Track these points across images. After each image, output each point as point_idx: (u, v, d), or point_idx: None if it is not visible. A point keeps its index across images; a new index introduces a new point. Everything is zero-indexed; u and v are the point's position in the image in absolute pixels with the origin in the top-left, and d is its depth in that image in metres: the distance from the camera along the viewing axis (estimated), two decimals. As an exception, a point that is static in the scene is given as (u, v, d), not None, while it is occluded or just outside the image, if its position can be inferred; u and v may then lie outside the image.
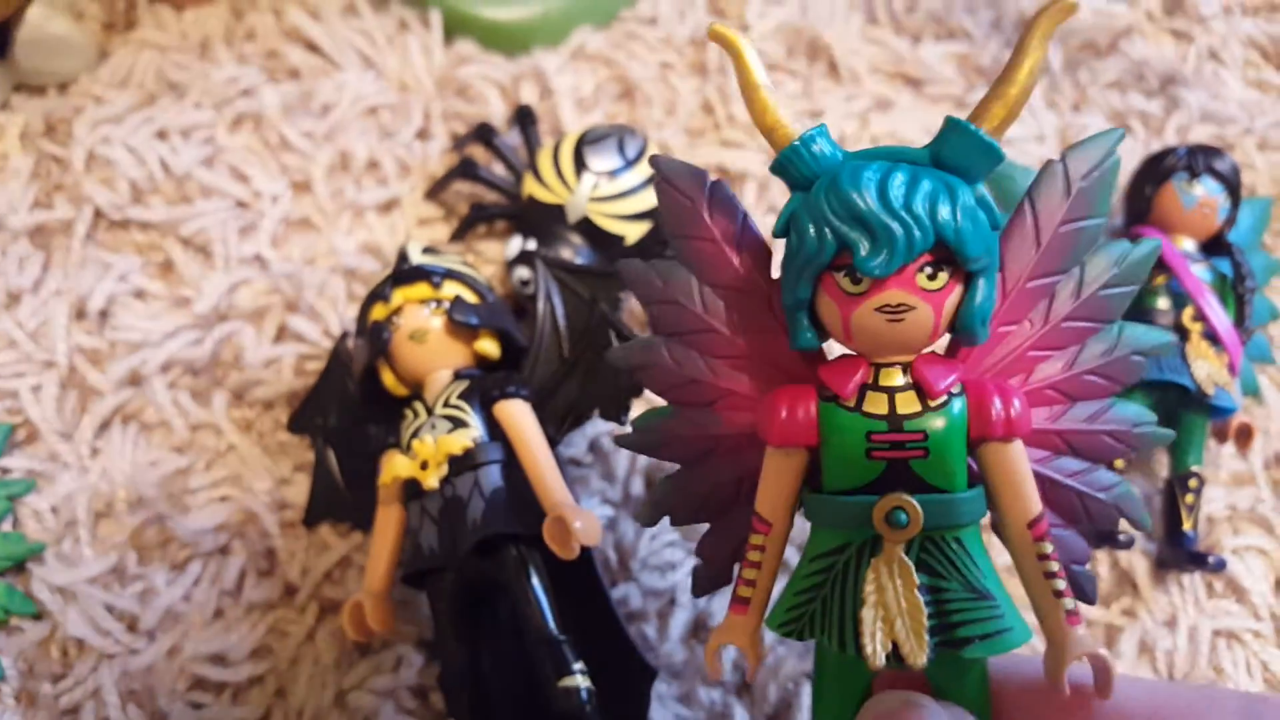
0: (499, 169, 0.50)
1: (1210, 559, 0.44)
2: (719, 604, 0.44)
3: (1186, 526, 0.45)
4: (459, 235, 0.50)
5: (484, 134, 0.50)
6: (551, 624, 0.37)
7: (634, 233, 0.48)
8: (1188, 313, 0.47)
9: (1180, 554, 0.45)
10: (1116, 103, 0.57)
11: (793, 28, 0.57)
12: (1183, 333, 0.47)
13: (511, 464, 0.39)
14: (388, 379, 0.42)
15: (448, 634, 0.39)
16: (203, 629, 0.43)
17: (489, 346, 0.42)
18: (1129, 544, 0.44)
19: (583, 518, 0.36)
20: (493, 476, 0.38)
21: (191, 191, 0.50)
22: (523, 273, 0.45)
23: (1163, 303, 0.48)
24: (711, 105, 0.55)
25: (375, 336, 0.40)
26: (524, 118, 0.50)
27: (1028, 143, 0.55)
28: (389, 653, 0.43)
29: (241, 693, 0.43)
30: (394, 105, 0.53)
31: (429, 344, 0.41)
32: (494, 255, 0.50)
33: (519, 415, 0.39)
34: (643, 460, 0.47)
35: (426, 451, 0.39)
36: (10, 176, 0.50)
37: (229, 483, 0.46)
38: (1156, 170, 0.49)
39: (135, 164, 0.50)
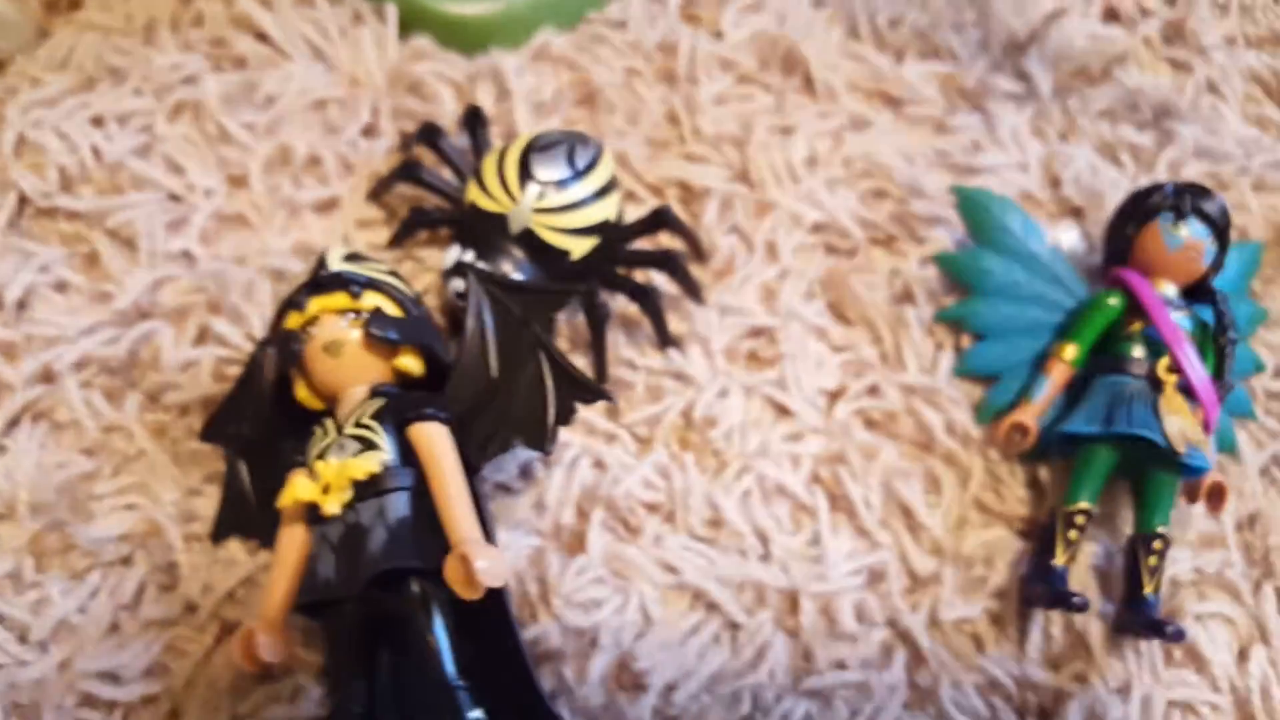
0: (447, 173, 0.48)
1: (1169, 628, 0.41)
2: (641, 647, 0.42)
3: (1147, 590, 0.42)
4: (397, 241, 0.47)
5: (429, 134, 0.47)
6: (449, 667, 0.35)
7: (580, 248, 0.45)
8: (1163, 363, 0.44)
9: (1138, 619, 0.42)
10: (1107, 133, 0.54)
11: (768, 38, 0.55)
12: (1156, 384, 0.44)
13: (423, 492, 0.37)
14: (301, 392, 0.40)
15: (344, 670, 0.36)
16: (96, 643, 0.41)
17: (410, 363, 0.39)
18: (1083, 607, 0.41)
19: (488, 556, 0.34)
20: (399, 505, 0.36)
21: (123, 181, 0.48)
22: (457, 285, 0.43)
23: (1137, 351, 0.45)
24: (677, 116, 0.52)
25: (285, 347, 0.38)
26: (473, 119, 0.48)
27: (1010, 171, 0.52)
28: (287, 681, 0.41)
29: (133, 713, 0.41)
30: (342, 100, 0.51)
31: (344, 357, 0.38)
32: (435, 263, 0.48)
33: (434, 439, 0.37)
34: (576, 488, 0.44)
35: (329, 474, 0.36)
36: (-65, 157, 0.48)
37: (136, 490, 0.44)
38: (1141, 208, 0.46)
39: (67, 150, 0.48)
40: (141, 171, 0.48)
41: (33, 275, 0.46)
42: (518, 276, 0.44)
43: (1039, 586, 0.42)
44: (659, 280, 0.47)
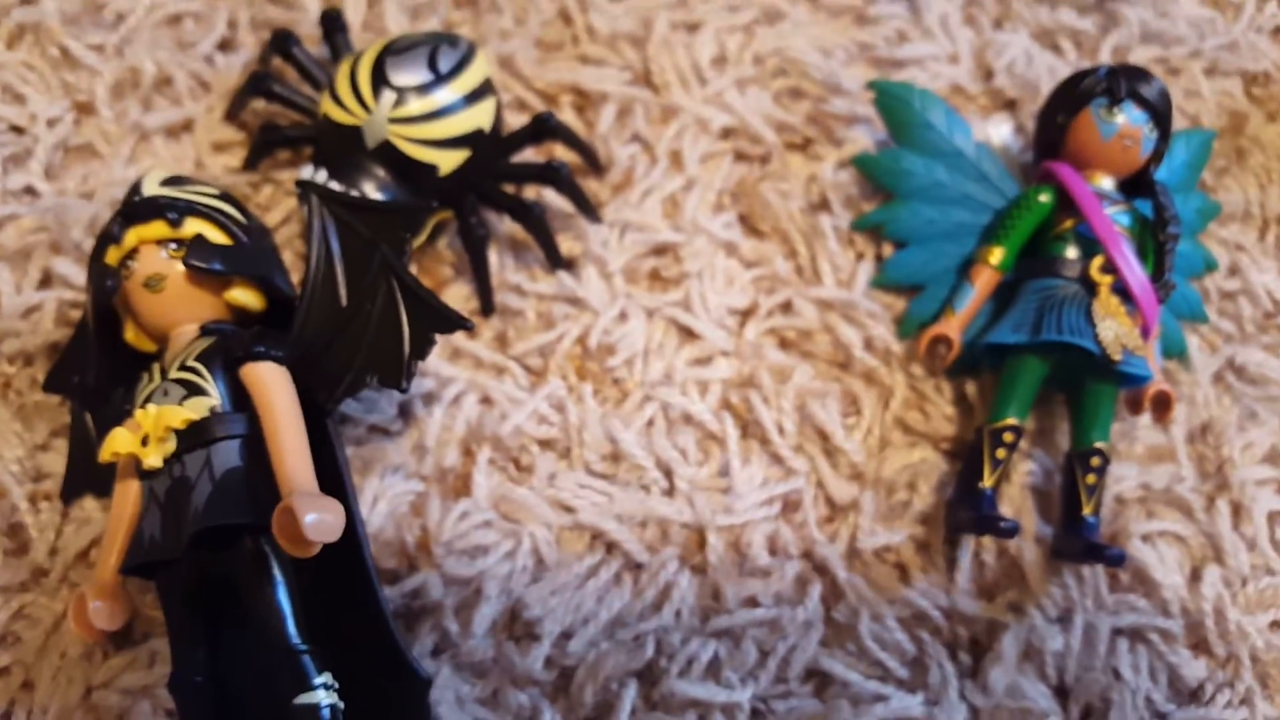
0: (306, 88, 0.44)
1: (1109, 551, 0.37)
2: (533, 594, 0.38)
3: (1086, 511, 0.39)
4: (252, 163, 0.43)
5: (282, 43, 0.43)
6: (291, 630, 0.32)
7: (448, 162, 0.41)
8: (1096, 263, 0.40)
9: (1078, 543, 0.38)
10: (1045, 19, 0.50)
11: (669, -75, 0.50)
12: (1090, 287, 0.40)
13: (258, 440, 0.33)
14: (130, 333, 0.36)
15: (179, 635, 0.33)
16: (-58, 614, 0.38)
17: (245, 297, 0.36)
18: (1013, 531, 0.37)
19: (316, 509, 0.30)
20: (228, 455, 0.33)
21: (-41, 113, 0.44)
22: (307, 210, 0.39)
23: (1070, 251, 0.41)
24: (569, 14, 0.47)
25: (99, 284, 0.34)
26: (331, 24, 0.43)
27: (939, 63, 0.48)
28: (143, 647, 0.37)
29: (-17, 686, 0.38)
30: (198, 13, 0.46)
31: (168, 293, 0.34)
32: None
33: (266, 381, 0.33)
34: (460, 427, 0.41)
35: (148, 423, 0.33)
36: None
37: (-23, 446, 0.40)
38: (1072, 94, 0.42)
39: (-107, 80, 0.44)
40: (-22, 102, 0.44)
41: None
42: (378, 197, 0.39)
43: (965, 510, 0.39)
44: (549, 197, 0.43)
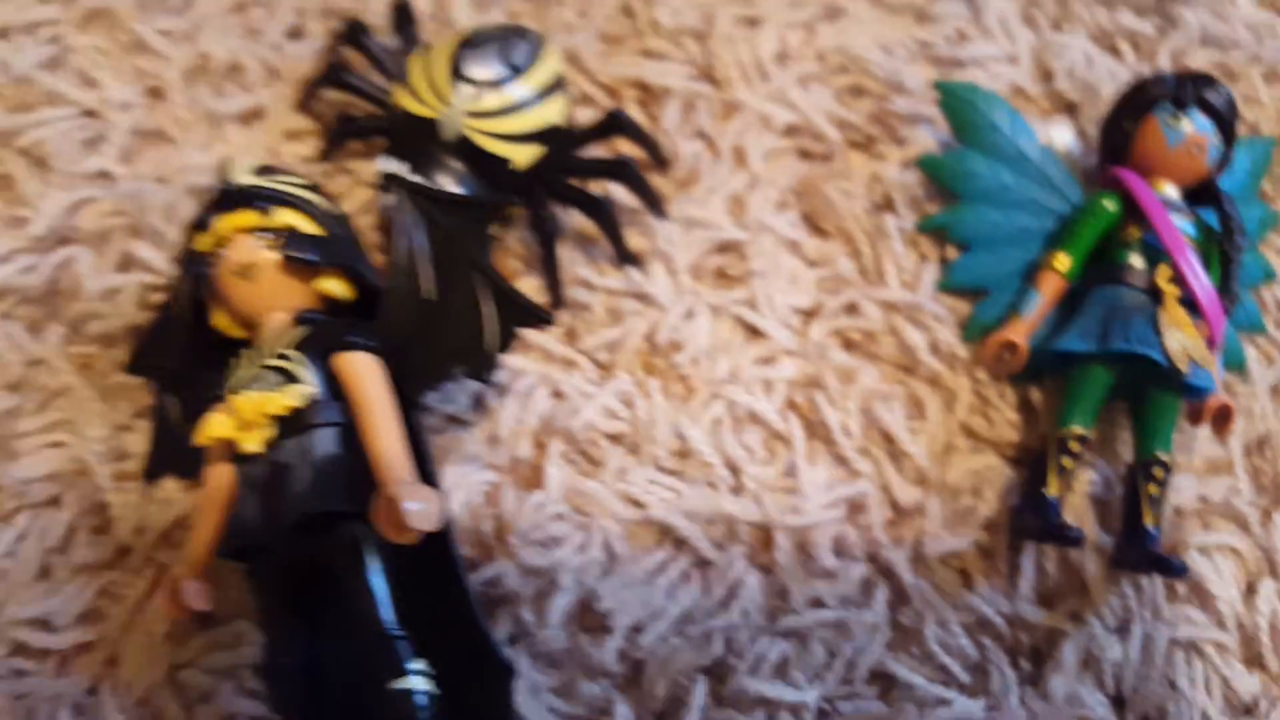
0: (376, 77, 0.44)
1: (1172, 562, 0.38)
2: (605, 586, 0.39)
3: (1148, 521, 0.39)
4: (328, 153, 0.43)
5: (354, 34, 0.43)
6: (386, 616, 0.32)
7: (523, 156, 0.41)
8: (1163, 272, 0.40)
9: (1138, 553, 0.39)
10: (1104, 20, 0.50)
11: (732, -82, 0.50)
12: (1156, 296, 0.40)
13: (353, 428, 0.34)
14: (219, 320, 0.37)
15: (272, 619, 0.34)
16: (27, 589, 0.39)
17: (335, 287, 0.36)
18: (1078, 540, 0.38)
19: (418, 498, 0.31)
20: (326, 442, 0.33)
21: (33, 97, 0.44)
22: (388, 200, 0.39)
23: (1135, 259, 0.41)
24: (633, 8, 0.47)
25: (191, 271, 0.35)
26: (402, 15, 0.44)
27: (999, 64, 0.48)
28: (228, 627, 0.38)
29: (68, 661, 0.38)
30: (265, 0, 0.46)
31: (260, 282, 0.35)
32: (369, 176, 0.44)
33: (360, 371, 0.34)
34: (532, 420, 0.41)
35: (247, 409, 0.33)
36: None
37: (62, 427, 0.41)
38: (1138, 100, 0.42)
39: (-31, 63, 0.44)
40: (52, 86, 0.44)
41: (-61, 200, 0.43)
42: (455, 190, 0.40)
43: (1030, 518, 0.39)
44: (615, 192, 0.43)
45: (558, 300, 0.43)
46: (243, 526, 0.33)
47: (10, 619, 0.38)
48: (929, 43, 0.48)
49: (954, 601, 0.40)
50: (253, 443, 0.33)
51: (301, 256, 0.35)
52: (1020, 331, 0.41)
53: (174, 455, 0.39)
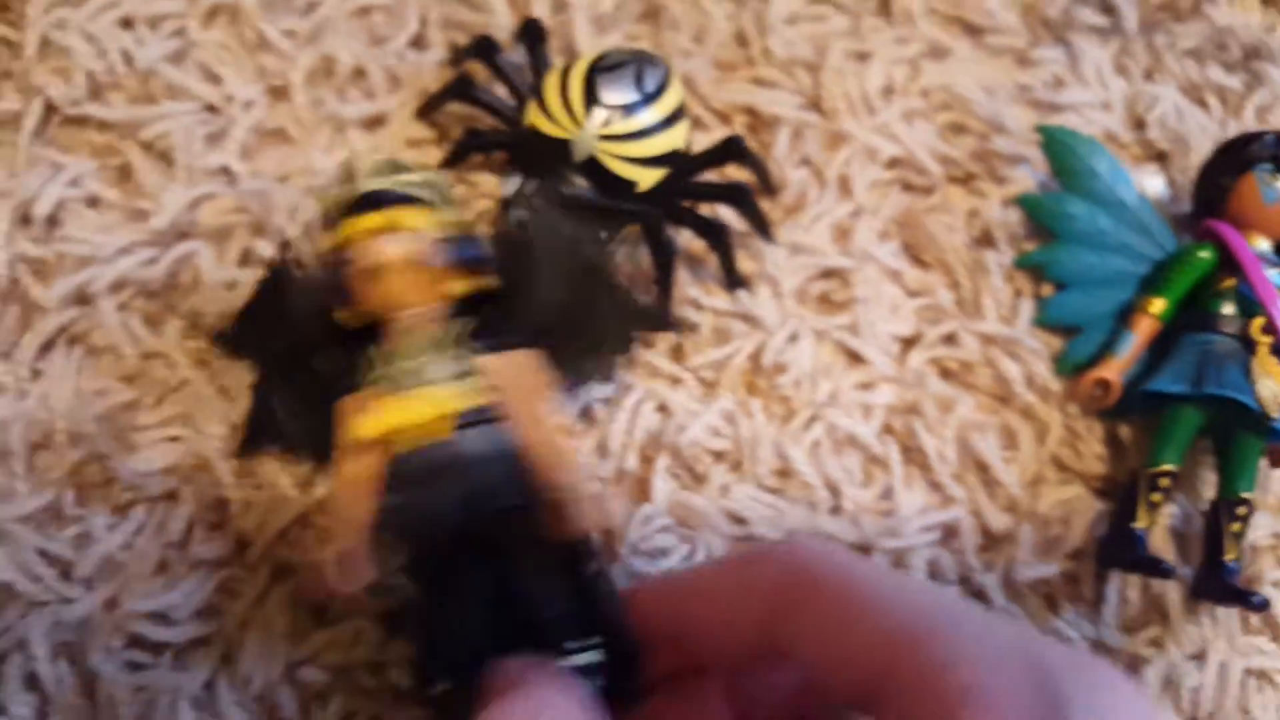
0: (501, 91, 0.45)
1: (1254, 598, 0.39)
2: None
3: (1229, 557, 0.41)
4: (451, 164, 0.44)
5: (484, 49, 0.44)
6: (555, 600, 0.34)
7: (647, 179, 0.42)
8: (1257, 324, 0.42)
9: (1220, 587, 0.40)
10: (1194, 74, 0.51)
11: (845, -44, 0.51)
12: (1249, 345, 0.42)
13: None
14: (342, 313, 0.37)
15: (437, 604, 0.34)
16: (144, 582, 0.39)
17: (461, 286, 0.36)
18: (1171, 573, 0.40)
19: (587, 494, 0.33)
20: (504, 435, 0.34)
21: (156, 90, 0.45)
22: (520, 215, 0.40)
23: (1228, 308, 0.43)
24: (747, 36, 0.49)
25: (331, 273, 0.36)
26: (532, 34, 0.44)
27: (1093, 110, 0.50)
28: (346, 625, 0.39)
29: (184, 655, 0.39)
30: (388, 6, 0.47)
31: (389, 283, 0.35)
32: (489, 188, 0.45)
33: (527, 368, 0.35)
34: (639, 433, 0.42)
35: (436, 403, 0.34)
36: (-49, 56, 0.44)
37: (180, 422, 0.41)
38: (1238, 158, 0.44)
39: (95, 54, 0.44)
40: (176, 80, 0.45)
41: (62, 189, 0.43)
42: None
43: (1120, 549, 0.41)
44: (723, 215, 0.45)
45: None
46: (424, 513, 0.33)
47: (128, 611, 0.39)
48: (1028, 86, 0.49)
49: (1041, 625, 0.42)
50: (444, 433, 0.33)
51: (453, 257, 0.35)
52: (1114, 370, 0.43)
53: (272, 434, 0.39)
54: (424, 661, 0.35)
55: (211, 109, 0.45)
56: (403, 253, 0.35)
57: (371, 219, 0.35)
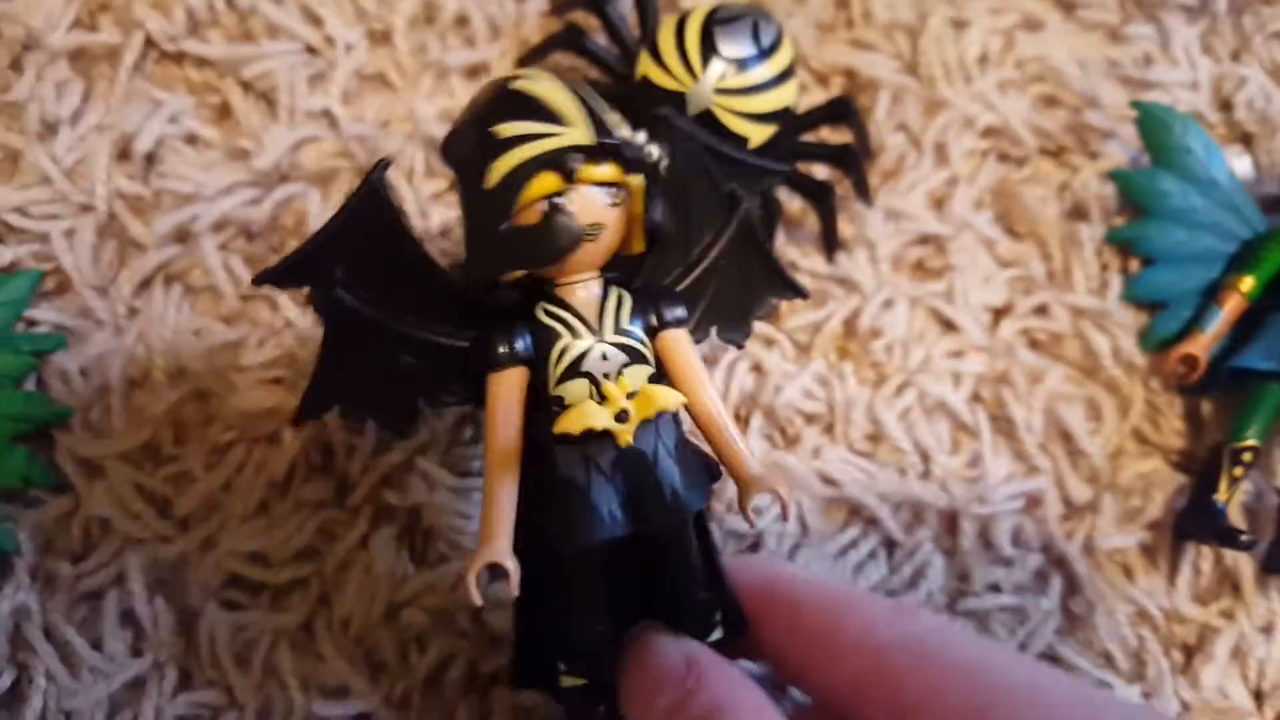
0: (605, 42, 0.44)
1: (1330, 574, 0.41)
2: (801, 555, 0.41)
3: (1306, 533, 0.42)
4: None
5: (595, -1, 0.44)
6: (702, 581, 0.32)
7: (759, 135, 0.42)
8: (1349, 304, 0.43)
9: (1295, 561, 0.42)
10: (1279, 55, 0.51)
11: (940, -79, 0.51)
12: (1343, 326, 0.43)
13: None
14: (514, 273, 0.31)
15: (587, 592, 0.32)
16: (243, 523, 0.39)
17: (640, 245, 0.32)
18: (1251, 545, 0.40)
19: (784, 488, 0.30)
20: (671, 427, 0.31)
21: (256, 29, 0.44)
22: (651, 150, 0.40)
23: (1319, 288, 0.43)
24: (848, -1, 0.49)
25: (560, 232, 0.29)
26: (643, -14, 0.44)
27: (1181, 89, 0.50)
28: (446, 569, 0.39)
29: (281, 596, 0.39)
30: (492, -46, 0.46)
31: (600, 241, 0.30)
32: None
33: (689, 351, 0.32)
34: (735, 392, 0.43)
35: (622, 400, 0.30)
36: (49, -15, 0.44)
37: (283, 363, 0.41)
38: (1334, 140, 0.44)
39: (194, -13, 0.44)
40: (276, 19, 0.44)
41: (162, 125, 0.42)
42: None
43: (1201, 521, 0.42)
44: (821, 175, 0.45)
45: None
46: (601, 518, 0.30)
47: (227, 550, 0.39)
48: (1118, 61, 0.49)
49: (1119, 593, 0.42)
50: (628, 437, 0.30)
51: (665, 225, 0.32)
52: (1202, 346, 0.44)
53: (342, 387, 0.33)
54: (552, 654, 0.33)
55: (311, 50, 0.44)
56: (624, 211, 0.31)
57: (611, 170, 0.30)
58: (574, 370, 0.30)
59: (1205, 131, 0.46)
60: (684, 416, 0.32)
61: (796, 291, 0.36)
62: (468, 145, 0.30)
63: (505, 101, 0.30)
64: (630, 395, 0.30)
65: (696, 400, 0.31)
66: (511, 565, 0.29)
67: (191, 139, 0.43)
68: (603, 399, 0.30)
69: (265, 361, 0.41)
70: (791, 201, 0.45)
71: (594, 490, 0.30)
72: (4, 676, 0.37)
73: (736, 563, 0.34)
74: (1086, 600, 0.42)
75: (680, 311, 0.32)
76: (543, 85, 0.30)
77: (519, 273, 0.31)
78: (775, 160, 0.42)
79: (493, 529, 0.30)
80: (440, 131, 0.43)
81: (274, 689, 0.38)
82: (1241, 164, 0.48)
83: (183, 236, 0.42)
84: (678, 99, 0.41)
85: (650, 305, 0.32)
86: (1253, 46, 0.51)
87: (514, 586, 0.29)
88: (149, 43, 0.44)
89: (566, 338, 0.31)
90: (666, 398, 0.30)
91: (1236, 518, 0.44)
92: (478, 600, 0.29)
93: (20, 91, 0.42)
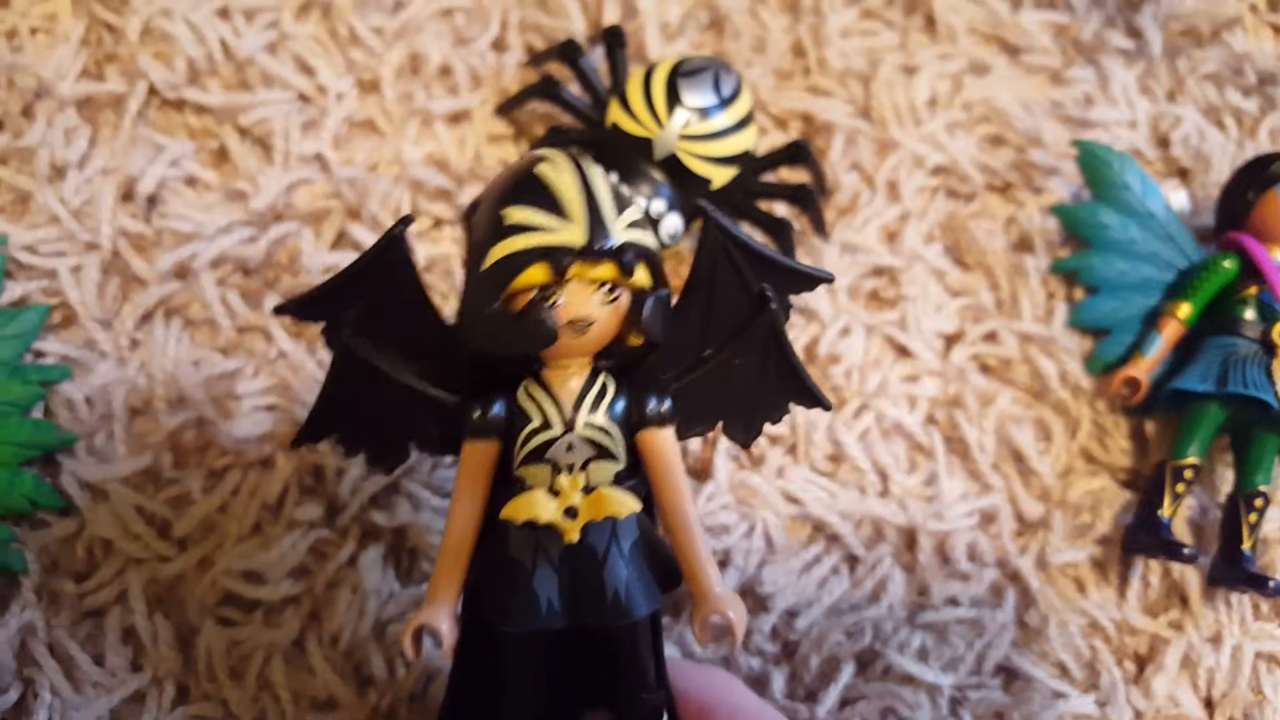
0: (578, 91, 0.47)
1: (1271, 583, 0.43)
2: (767, 571, 0.43)
3: (1246, 546, 0.44)
4: (533, 160, 0.47)
5: (569, 52, 0.47)
6: (652, 682, 0.32)
7: (720, 177, 0.45)
8: (1278, 328, 0.46)
9: (1237, 573, 0.44)
10: (1212, 96, 0.55)
11: (892, -26, 0.54)
12: (1270, 348, 0.46)
13: (648, 509, 0.32)
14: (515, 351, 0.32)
15: (524, 681, 0.32)
16: (238, 543, 0.42)
17: (638, 339, 0.31)
18: (1194, 558, 0.43)
19: (738, 611, 0.30)
20: (631, 527, 0.31)
21: (252, 78, 0.47)
22: (673, 224, 0.42)
23: (1250, 314, 0.46)
24: (803, 47, 0.52)
25: (536, 327, 0.29)
26: (613, 39, 0.47)
27: (1120, 128, 0.53)
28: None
29: (274, 613, 0.42)
30: (469, 9, 0.50)
31: (587, 335, 0.30)
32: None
33: (670, 453, 0.31)
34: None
35: (575, 496, 0.30)
36: (59, 40, 0.47)
37: (277, 391, 0.44)
38: (1262, 175, 0.48)
39: (194, 41, 0.47)
40: (271, 69, 0.47)
41: (164, 168, 0.45)
42: (658, 202, 0.44)
43: (1146, 536, 0.44)
44: (780, 212, 0.48)
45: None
46: (539, 607, 0.30)
47: (223, 569, 0.41)
48: (1060, 102, 0.53)
49: (1071, 606, 0.45)
50: (574, 534, 0.29)
51: (654, 331, 0.31)
52: (1143, 369, 0.46)
53: (334, 422, 0.34)
54: None
55: (305, 98, 0.47)
56: (619, 310, 0.30)
57: (606, 269, 0.29)
58: (537, 455, 0.30)
59: (1142, 168, 0.49)
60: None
61: (817, 401, 0.34)
62: (481, 222, 0.31)
63: (522, 184, 0.30)
64: (588, 490, 0.30)
65: (667, 505, 0.31)
66: (446, 631, 0.30)
67: (191, 181, 0.46)
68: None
69: (260, 390, 0.43)
70: (753, 236, 0.47)
71: (538, 577, 0.30)
72: (10, 691, 0.39)
73: (685, 669, 0.35)
74: (1040, 613, 0.44)
75: (666, 407, 0.31)
76: (560, 172, 0.30)
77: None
78: (735, 199, 0.45)
79: (435, 593, 0.31)
80: (426, 175, 0.46)
81: (268, 702, 0.40)
82: (1178, 197, 0.52)
83: (183, 273, 0.44)
84: (645, 145, 0.44)
85: (634, 400, 0.31)
86: (1187, 87, 0.55)
87: (446, 652, 0.30)
88: (152, 91, 0.47)
89: (536, 422, 0.31)
90: (619, 504, 0.29)
91: (1182, 532, 0.47)
92: (410, 654, 0.30)
93: (31, 137, 0.45)
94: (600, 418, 0.31)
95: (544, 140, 0.46)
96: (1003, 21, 0.54)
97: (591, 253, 0.29)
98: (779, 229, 0.45)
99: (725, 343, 0.32)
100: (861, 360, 0.47)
